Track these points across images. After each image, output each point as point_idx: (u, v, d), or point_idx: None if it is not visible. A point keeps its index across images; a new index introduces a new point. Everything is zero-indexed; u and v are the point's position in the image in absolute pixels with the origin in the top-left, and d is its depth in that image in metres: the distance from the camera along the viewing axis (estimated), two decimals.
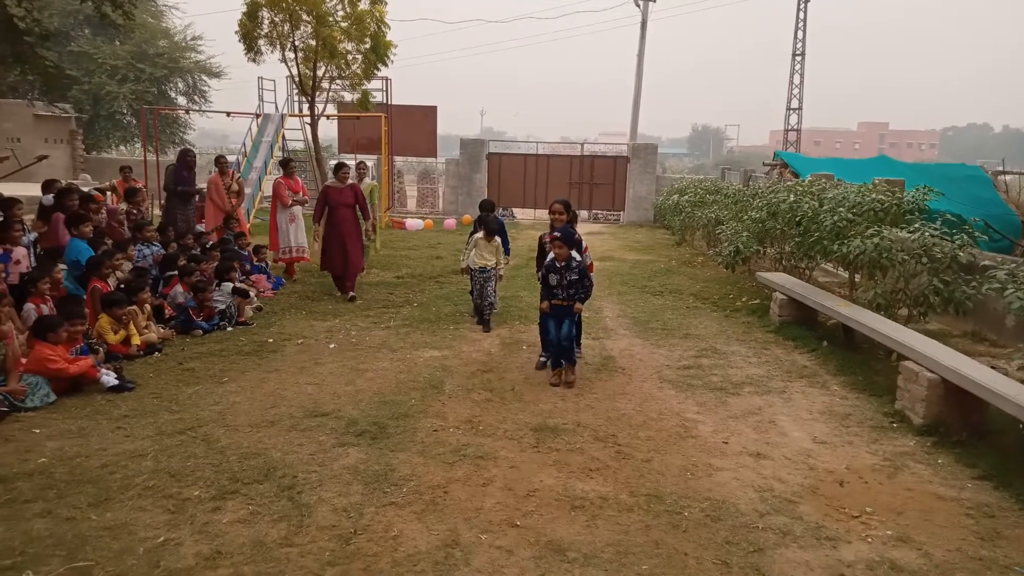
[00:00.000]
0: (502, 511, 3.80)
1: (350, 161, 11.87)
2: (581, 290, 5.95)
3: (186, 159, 10.67)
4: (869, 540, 3.61)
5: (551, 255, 5.96)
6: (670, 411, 5.43)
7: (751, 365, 6.67)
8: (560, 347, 5.96)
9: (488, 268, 7.71)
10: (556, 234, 5.89)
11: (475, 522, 3.69)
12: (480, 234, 7.73)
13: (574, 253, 5.91)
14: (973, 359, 5.22)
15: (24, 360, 5.35)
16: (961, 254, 6.41)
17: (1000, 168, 14.10)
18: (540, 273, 6.16)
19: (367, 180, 10.94)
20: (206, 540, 3.44)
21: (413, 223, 17.82)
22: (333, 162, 20.11)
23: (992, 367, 5.10)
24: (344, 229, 9.08)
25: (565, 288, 5.89)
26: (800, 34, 39.75)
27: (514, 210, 22.06)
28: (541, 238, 6.60)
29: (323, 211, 9.06)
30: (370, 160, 21.40)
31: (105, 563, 3.22)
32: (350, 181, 9.39)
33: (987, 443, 4.74)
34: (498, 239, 7.79)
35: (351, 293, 9.12)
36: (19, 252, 6.81)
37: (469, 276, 7.91)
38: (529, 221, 21.17)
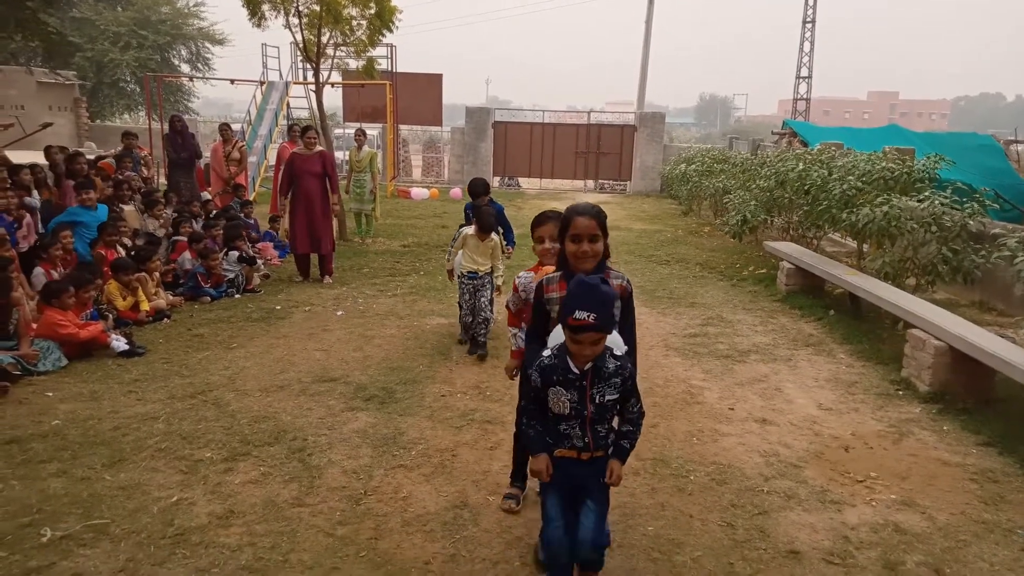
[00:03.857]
0: (510, 474, 3.84)
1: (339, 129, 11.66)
2: (625, 426, 2.74)
3: (174, 124, 10.71)
4: (873, 504, 3.64)
5: (555, 344, 2.69)
6: (676, 378, 5.45)
7: (757, 333, 6.68)
8: (578, 555, 2.68)
9: (481, 274, 5.87)
10: (584, 316, 2.45)
11: (483, 484, 3.74)
12: (471, 228, 5.86)
13: (613, 337, 2.66)
14: (980, 327, 5.21)
15: (35, 325, 5.40)
16: (971, 222, 6.37)
17: (1012, 138, 13.94)
18: (529, 383, 2.71)
19: (366, 148, 10.90)
20: (219, 500, 3.50)
21: (419, 192, 17.77)
22: (338, 131, 20.03)
23: (1000, 335, 5.10)
24: (308, 203, 8.06)
25: (590, 423, 2.65)
26: (811, 0, 39.08)
27: (520, 180, 21.97)
28: (540, 291, 2.89)
29: (289, 182, 8.12)
30: (374, 128, 21.30)
31: (120, 521, 3.28)
32: (319, 148, 8.27)
33: (993, 410, 4.76)
34: (495, 237, 5.88)
35: (328, 278, 8.27)
36: (26, 219, 6.82)
37: (458, 283, 6.05)
38: (535, 191, 21.09)
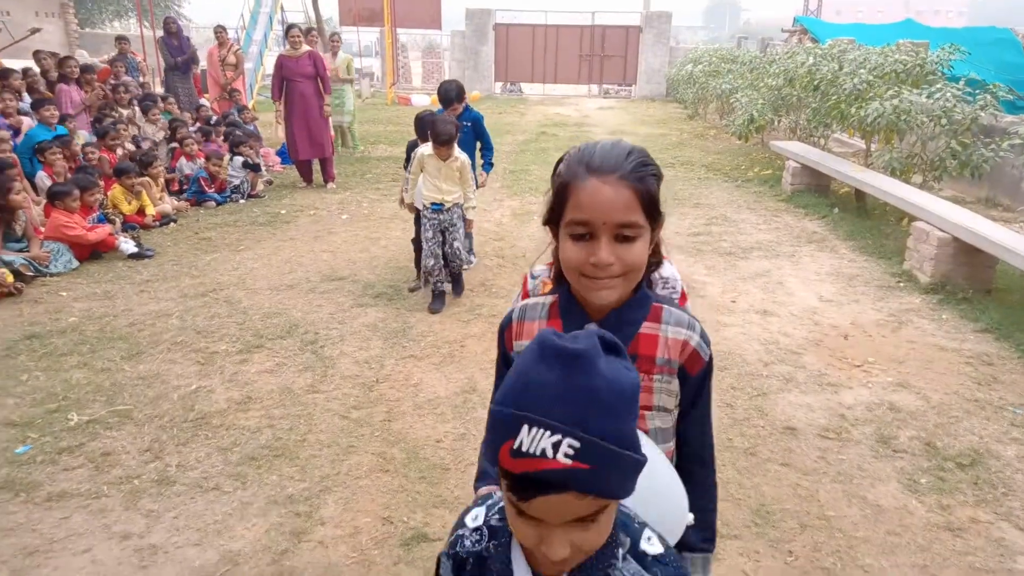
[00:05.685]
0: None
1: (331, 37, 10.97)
2: None
3: (168, 26, 10.40)
4: (869, 386, 3.76)
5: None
6: (679, 273, 5.49)
7: (761, 231, 6.69)
8: None
9: (448, 205, 4.61)
10: (544, 445, 0.79)
11: (491, 371, 3.84)
12: (427, 148, 4.54)
13: (654, 475, 0.98)
14: (984, 219, 5.21)
15: (42, 228, 5.44)
16: (982, 114, 6.25)
17: None
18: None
19: (342, 54, 10.41)
20: (236, 387, 3.63)
21: (419, 99, 17.39)
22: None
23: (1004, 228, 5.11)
24: (304, 107, 7.85)
25: None
26: None
27: (522, 85, 21.43)
28: (504, 336, 1.37)
29: (281, 86, 7.84)
30: (372, 32, 20.63)
31: (142, 407, 3.42)
32: (306, 48, 7.92)
33: (992, 299, 4.83)
34: (461, 155, 4.57)
35: (331, 183, 8.22)
36: (25, 124, 6.73)
37: (422, 218, 4.74)
38: (538, 97, 20.62)
